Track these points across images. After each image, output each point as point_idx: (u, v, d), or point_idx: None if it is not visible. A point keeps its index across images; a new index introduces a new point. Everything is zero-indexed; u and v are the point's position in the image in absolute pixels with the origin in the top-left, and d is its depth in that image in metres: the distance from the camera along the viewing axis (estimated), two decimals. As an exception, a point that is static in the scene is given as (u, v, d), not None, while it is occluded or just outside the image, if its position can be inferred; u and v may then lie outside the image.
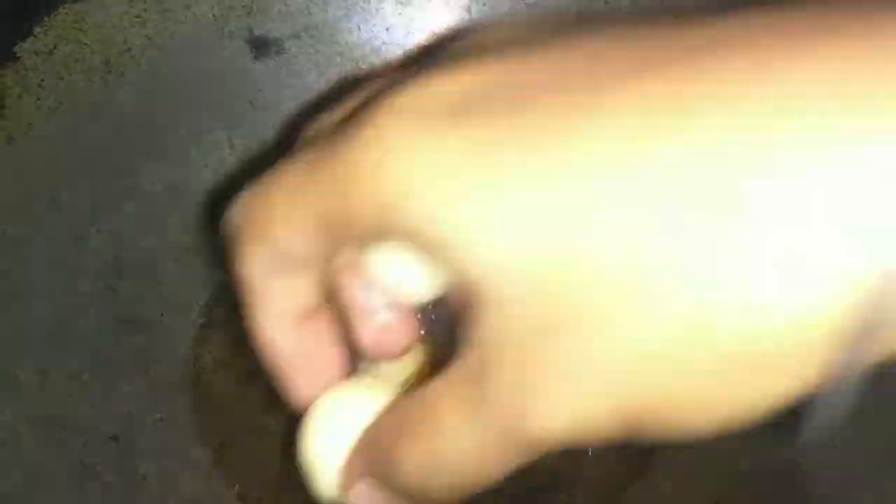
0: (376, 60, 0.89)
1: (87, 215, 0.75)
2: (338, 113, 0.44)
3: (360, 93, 0.44)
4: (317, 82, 0.88)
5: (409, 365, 0.64)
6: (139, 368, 0.73)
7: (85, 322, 0.71)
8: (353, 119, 0.35)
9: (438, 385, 0.34)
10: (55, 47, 0.73)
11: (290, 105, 0.87)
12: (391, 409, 0.41)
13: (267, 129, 0.87)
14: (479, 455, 0.32)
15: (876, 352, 0.26)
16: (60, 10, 0.73)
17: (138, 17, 0.78)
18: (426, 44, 0.89)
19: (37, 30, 0.72)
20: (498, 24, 0.37)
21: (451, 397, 0.33)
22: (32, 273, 0.69)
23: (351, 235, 0.35)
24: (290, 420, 0.72)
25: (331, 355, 0.45)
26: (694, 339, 0.26)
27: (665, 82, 0.27)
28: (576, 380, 0.29)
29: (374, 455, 0.40)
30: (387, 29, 0.88)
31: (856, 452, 0.60)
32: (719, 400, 0.28)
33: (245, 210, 0.42)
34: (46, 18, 0.72)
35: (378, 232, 0.33)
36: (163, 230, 0.79)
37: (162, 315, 0.76)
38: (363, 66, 0.89)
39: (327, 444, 0.46)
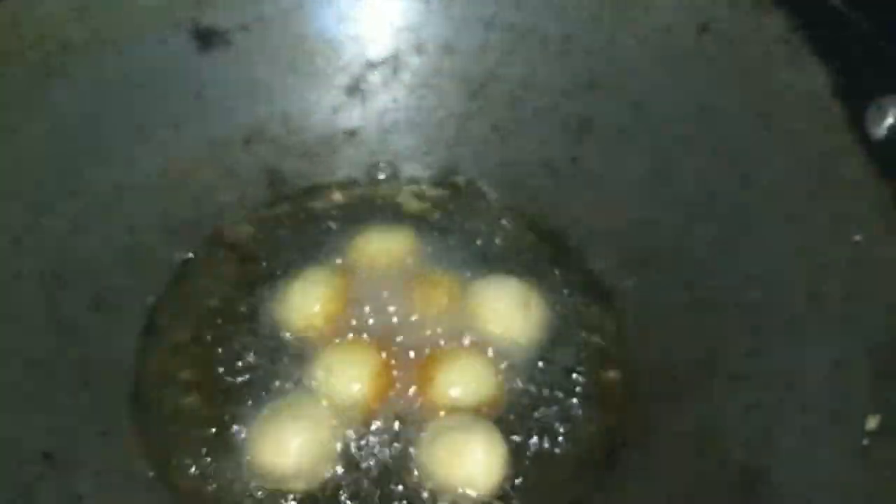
0: (330, 53, 0.86)
1: (26, 217, 0.71)
2: None
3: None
4: (267, 76, 0.85)
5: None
6: (80, 380, 0.69)
7: (23, 331, 0.68)
8: None
9: None
10: (-10, 41, 0.69)
11: (238, 100, 0.84)
12: None
13: (215, 126, 0.83)
14: None
15: None
16: (-5, 1, 0.69)
17: (79, 9, 0.75)
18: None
19: (-30, 23, 0.68)
20: None
21: None
22: (-36, 278, 0.66)
23: None
24: (234, 431, 0.71)
25: None
26: None
27: None
28: None
29: None
30: (340, 20, 0.85)
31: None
32: None
33: None
34: (-20, 10, 0.68)
35: None
36: (105, 233, 0.76)
37: (104, 323, 0.73)
38: (316, 60, 0.86)
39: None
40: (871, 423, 0.58)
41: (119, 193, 0.77)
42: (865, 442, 0.57)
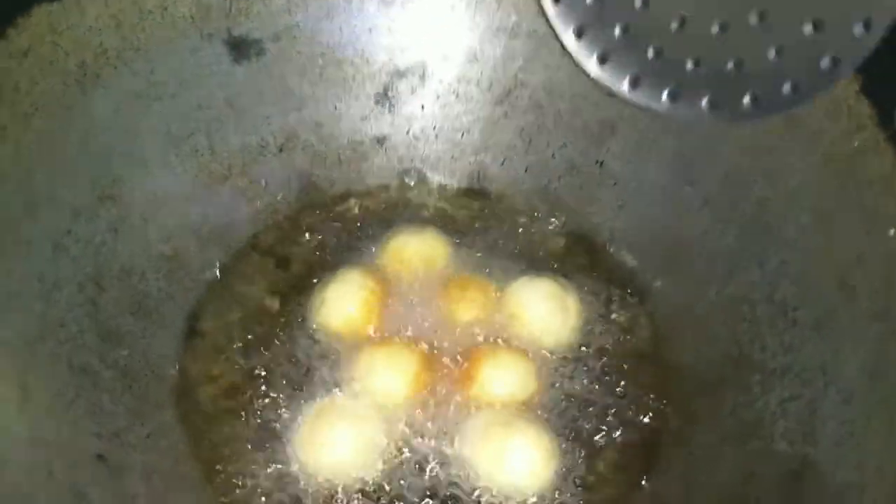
0: (359, 62, 0.87)
1: (65, 224, 0.72)
2: None
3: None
4: (298, 85, 0.86)
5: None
6: (124, 384, 0.69)
7: (66, 336, 0.68)
8: None
9: None
10: (29, 49, 0.70)
11: (270, 108, 0.85)
12: None
13: (248, 134, 0.84)
14: None
15: None
16: (34, 10, 0.69)
17: (114, 17, 0.75)
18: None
19: (10, 32, 0.68)
20: None
21: None
22: (9, 285, 0.66)
23: None
24: (278, 430, 0.72)
25: None
26: None
27: None
28: None
29: None
30: (369, 30, 0.86)
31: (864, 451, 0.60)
32: None
33: None
34: (19, 20, 0.69)
35: None
36: (143, 239, 0.76)
37: (145, 328, 0.73)
38: (345, 69, 0.87)
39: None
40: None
41: (155, 200, 0.78)
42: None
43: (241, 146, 0.84)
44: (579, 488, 0.67)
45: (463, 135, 0.90)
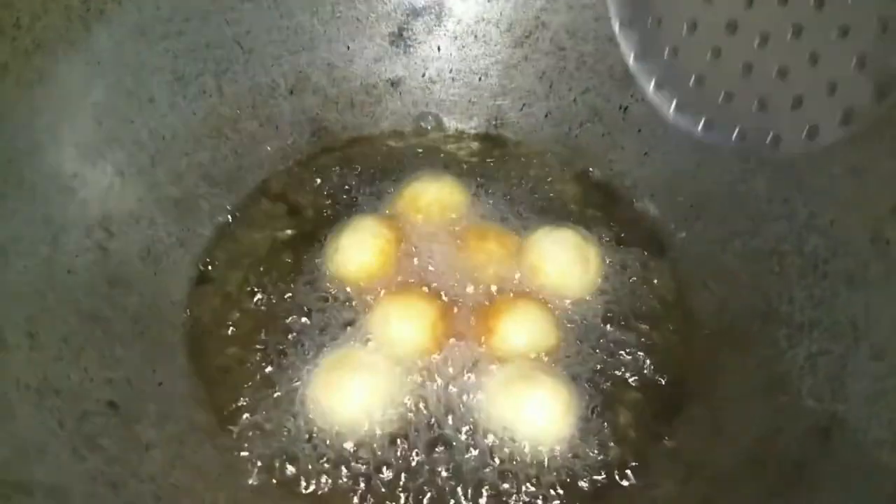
0: (373, 0, 0.84)
1: (71, 166, 0.69)
2: None
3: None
4: (310, 23, 0.82)
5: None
6: (134, 330, 0.67)
7: (74, 281, 0.66)
8: None
9: None
10: (29, -16, 0.67)
11: (280, 48, 0.82)
12: None
13: (258, 74, 0.81)
14: None
15: None
16: (35, -55, 0.66)
17: (118, -49, 0.72)
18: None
19: (10, -34, 0.65)
20: None
21: None
22: (14, 227, 0.64)
23: None
24: (291, 378, 0.70)
25: None
26: None
27: None
28: None
29: None
30: (384, -36, 0.83)
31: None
32: None
33: None
34: (20, -48, 0.66)
35: None
36: (151, 182, 0.74)
37: (155, 273, 0.71)
38: (359, 7, 0.84)
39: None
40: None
41: (163, 143, 0.76)
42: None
43: (251, 87, 0.81)
44: (600, 443, 0.66)
45: (481, 78, 0.87)
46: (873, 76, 0.58)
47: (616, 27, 0.69)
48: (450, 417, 0.67)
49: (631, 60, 0.69)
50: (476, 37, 0.86)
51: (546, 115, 0.85)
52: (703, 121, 0.68)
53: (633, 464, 0.65)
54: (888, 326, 0.61)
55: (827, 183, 0.69)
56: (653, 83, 0.68)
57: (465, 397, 0.67)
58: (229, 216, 0.78)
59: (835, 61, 0.59)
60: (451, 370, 0.69)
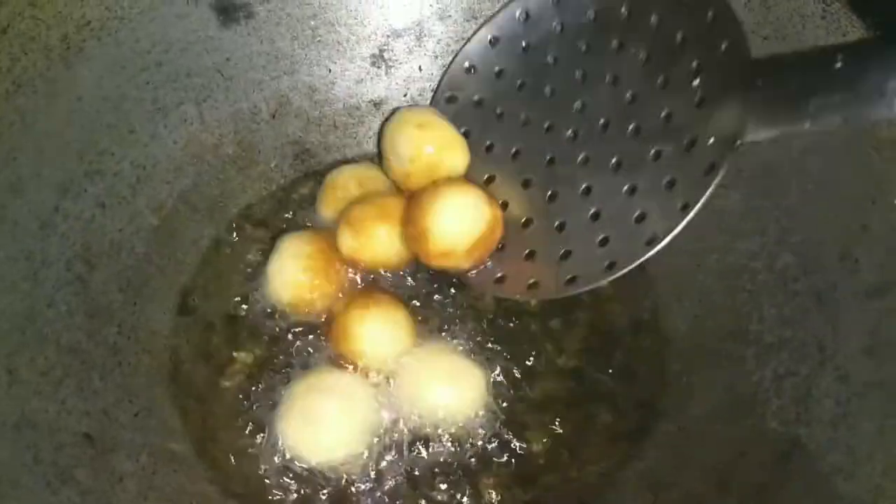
0: (352, 22, 0.85)
1: (52, 201, 0.71)
2: None
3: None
4: (290, 48, 0.83)
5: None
6: (113, 361, 0.69)
7: (54, 315, 0.68)
8: None
9: None
10: (9, 26, 0.68)
11: (261, 74, 0.83)
12: None
13: (239, 100, 0.83)
14: None
15: None
16: (11, -15, 0.68)
17: (96, -12, 0.74)
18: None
19: (-14, 7, 0.67)
20: None
21: None
22: (-5, 265, 0.66)
23: None
24: (268, 406, 0.72)
25: None
26: None
27: None
28: None
29: None
30: (363, -12, 0.83)
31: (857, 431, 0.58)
32: None
33: None
34: (-5, -5, 0.68)
35: None
36: (132, 212, 0.76)
37: (135, 303, 0.73)
38: (339, 30, 0.85)
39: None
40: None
41: (144, 172, 0.77)
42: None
43: (232, 113, 0.82)
44: (569, 465, 0.66)
45: (461, 96, 0.87)
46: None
47: None
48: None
49: None
50: (456, 56, 0.86)
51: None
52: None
53: (603, 486, 0.66)
54: (854, 348, 0.61)
55: (799, 199, 0.69)
56: None
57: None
58: (211, 243, 0.79)
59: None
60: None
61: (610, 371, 0.71)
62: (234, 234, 0.80)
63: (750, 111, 0.56)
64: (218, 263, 0.78)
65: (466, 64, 0.78)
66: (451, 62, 0.81)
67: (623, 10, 0.66)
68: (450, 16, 0.85)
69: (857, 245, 0.64)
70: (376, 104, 0.87)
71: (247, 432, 0.68)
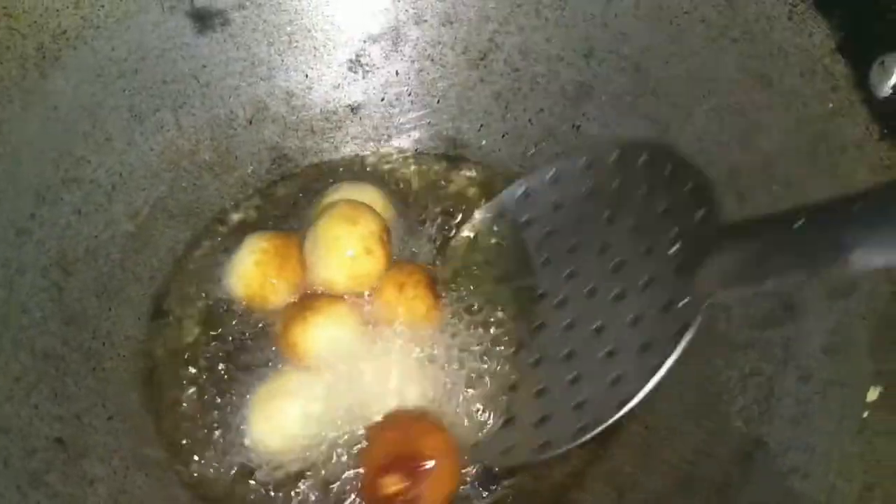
0: (328, 28, 0.85)
1: (29, 208, 0.72)
2: None
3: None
4: (267, 54, 0.84)
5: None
6: (87, 366, 0.70)
7: (29, 321, 0.69)
8: None
9: None
10: (-18, 35, 0.70)
11: (238, 80, 0.84)
12: None
13: (215, 107, 0.84)
14: None
15: None
16: (-15, -6, 0.69)
17: (72, -4, 0.75)
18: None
19: (-40, 18, 0.68)
20: None
21: None
22: (-30, 272, 0.67)
23: None
24: (240, 410, 0.72)
25: None
26: None
27: None
28: None
29: None
30: (338, -6, 0.84)
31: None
32: None
33: None
34: (-30, 5, 0.69)
35: None
36: (108, 219, 0.76)
37: (110, 309, 0.74)
38: (315, 35, 0.85)
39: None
40: (872, 395, 0.57)
41: (120, 179, 0.78)
42: (865, 414, 0.56)
43: (209, 120, 0.83)
44: (532, 469, 0.67)
45: (439, 101, 0.88)
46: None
47: None
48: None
49: None
50: (433, 60, 0.86)
51: (503, 136, 0.86)
52: None
53: (570, 486, 0.66)
54: (816, 348, 0.62)
55: (766, 200, 0.69)
56: None
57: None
58: (186, 249, 0.80)
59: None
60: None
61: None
62: (210, 240, 0.81)
63: (719, 273, 0.59)
64: (193, 269, 0.79)
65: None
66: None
67: (614, 184, 0.71)
68: (426, 20, 0.85)
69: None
70: (353, 109, 0.88)
71: (217, 436, 0.69)
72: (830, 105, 0.66)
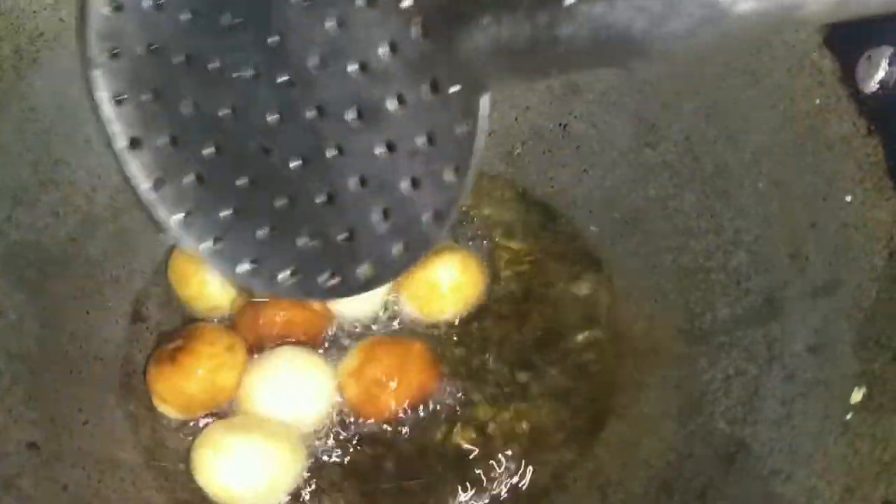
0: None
1: (5, 211, 0.71)
2: None
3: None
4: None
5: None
6: (66, 371, 0.69)
7: (4, 323, 0.68)
8: None
9: None
10: (-40, 38, 0.69)
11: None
12: None
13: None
14: None
15: None
16: (-38, -3, 0.69)
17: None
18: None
19: (-64, 20, 0.68)
20: None
21: None
22: (-55, 274, 0.66)
23: None
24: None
25: None
26: None
27: None
28: None
29: None
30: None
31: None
32: None
33: None
34: (-53, 7, 0.68)
35: None
36: (87, 222, 0.76)
37: (88, 312, 0.73)
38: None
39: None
40: (856, 396, 0.55)
41: (100, 182, 0.77)
42: (849, 416, 0.55)
43: (191, 121, 0.82)
44: (518, 462, 0.66)
45: (423, 98, 0.87)
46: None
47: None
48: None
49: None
50: (418, 58, 0.85)
51: (489, 135, 0.85)
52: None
53: (553, 487, 0.66)
54: (801, 347, 0.60)
55: (752, 198, 0.68)
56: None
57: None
58: (164, 252, 0.79)
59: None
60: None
61: (559, 369, 0.71)
62: (190, 242, 0.80)
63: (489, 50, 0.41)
64: (171, 272, 0.78)
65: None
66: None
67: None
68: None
69: (806, 243, 0.63)
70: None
71: (194, 440, 0.68)
72: (817, 101, 0.65)
